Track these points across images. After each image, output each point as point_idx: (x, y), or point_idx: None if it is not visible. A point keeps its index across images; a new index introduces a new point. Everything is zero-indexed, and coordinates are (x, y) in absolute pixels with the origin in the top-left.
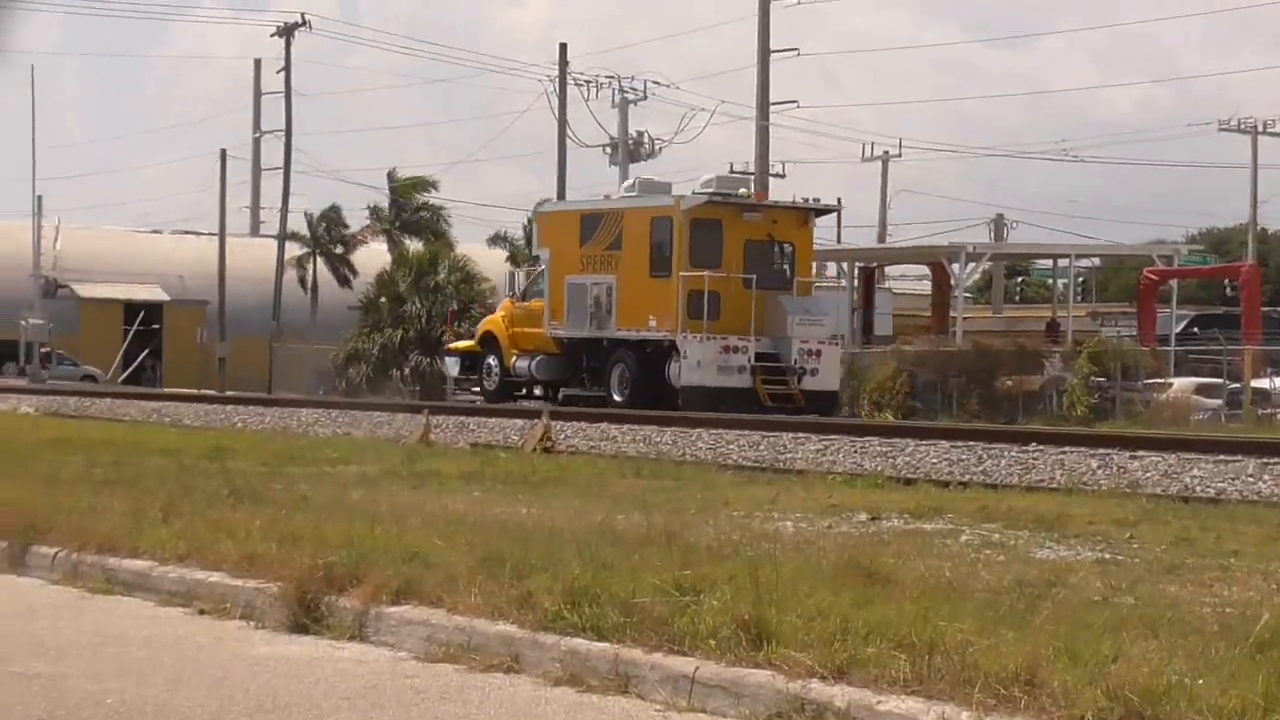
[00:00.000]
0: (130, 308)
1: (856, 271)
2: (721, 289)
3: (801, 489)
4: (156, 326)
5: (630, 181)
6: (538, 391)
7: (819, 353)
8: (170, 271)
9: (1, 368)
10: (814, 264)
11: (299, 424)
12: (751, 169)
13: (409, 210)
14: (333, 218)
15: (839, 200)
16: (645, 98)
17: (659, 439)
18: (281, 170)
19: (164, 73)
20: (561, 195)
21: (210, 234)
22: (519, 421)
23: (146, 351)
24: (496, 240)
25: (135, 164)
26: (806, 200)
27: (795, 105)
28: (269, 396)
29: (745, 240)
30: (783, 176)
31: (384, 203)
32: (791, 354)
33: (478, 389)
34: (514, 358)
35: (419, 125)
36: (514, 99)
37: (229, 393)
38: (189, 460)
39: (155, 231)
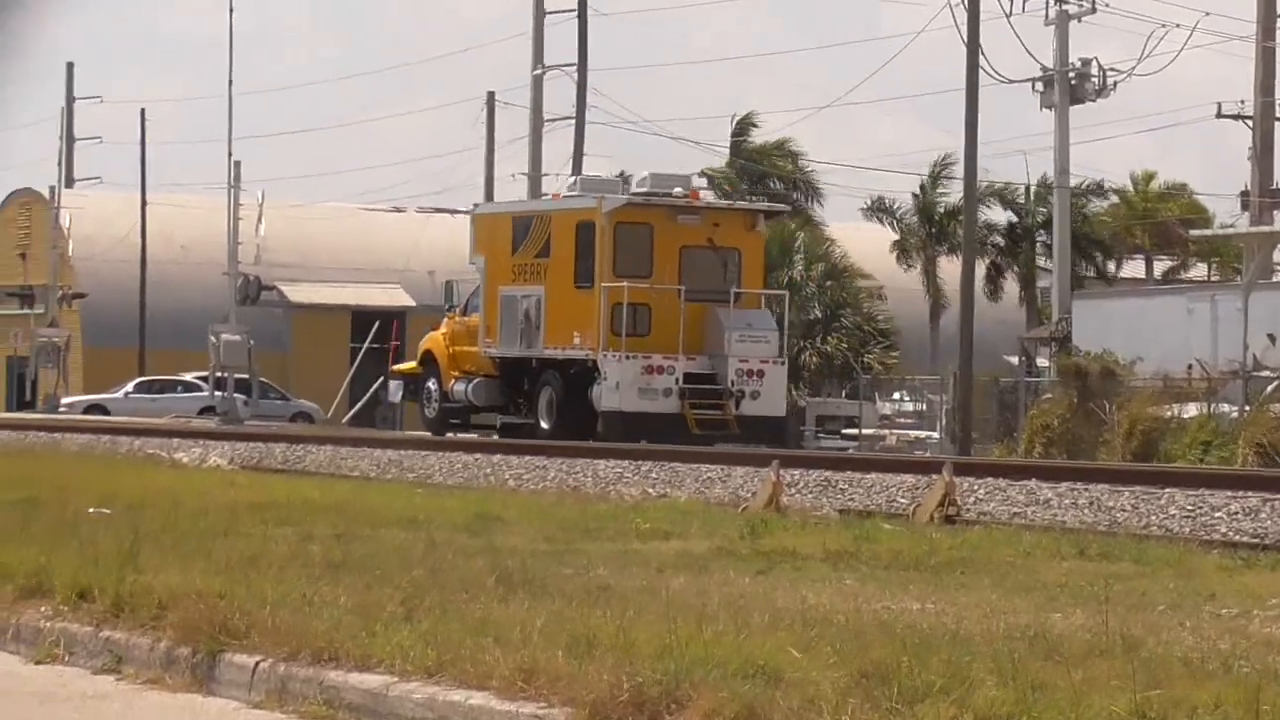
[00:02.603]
0: (360, 316)
1: None
2: (651, 301)
3: None
4: (397, 343)
5: (573, 180)
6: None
7: (761, 373)
8: (415, 266)
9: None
10: (764, 272)
11: (595, 481)
12: (1249, 109)
13: (763, 176)
14: None
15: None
16: (1093, 11)
17: (1111, 503)
18: (573, 121)
19: None
20: (970, 151)
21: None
22: (908, 478)
23: (382, 379)
24: (875, 211)
25: (367, 116)
26: (753, 200)
27: None
28: (553, 443)
29: (680, 247)
30: None
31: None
32: (728, 374)
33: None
34: (452, 380)
35: (765, 55)
36: (902, 18)
37: (496, 437)
38: (441, 534)
39: (396, 209)
